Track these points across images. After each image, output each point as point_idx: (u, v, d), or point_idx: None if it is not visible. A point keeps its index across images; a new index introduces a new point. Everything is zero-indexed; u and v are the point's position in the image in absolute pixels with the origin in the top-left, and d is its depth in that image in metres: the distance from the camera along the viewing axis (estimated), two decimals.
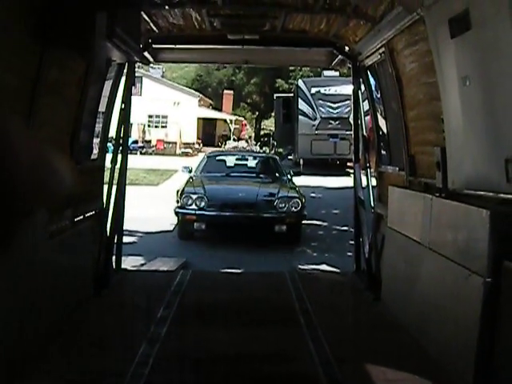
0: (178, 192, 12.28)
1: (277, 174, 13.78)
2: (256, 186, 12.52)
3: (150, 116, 45.14)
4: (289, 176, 13.79)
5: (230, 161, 14.82)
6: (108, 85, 7.03)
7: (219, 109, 52.49)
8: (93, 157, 6.95)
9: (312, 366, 4.78)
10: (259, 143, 47.82)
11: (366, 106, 8.31)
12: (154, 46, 7.73)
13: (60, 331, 5.21)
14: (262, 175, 13.63)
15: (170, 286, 7.13)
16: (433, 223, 5.22)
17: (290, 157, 30.88)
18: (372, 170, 8.03)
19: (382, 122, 7.72)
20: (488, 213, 4.06)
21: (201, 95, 49.21)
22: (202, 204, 11.62)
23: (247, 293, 7.06)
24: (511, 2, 3.60)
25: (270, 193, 12.23)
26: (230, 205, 11.70)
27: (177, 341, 5.33)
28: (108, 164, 7.41)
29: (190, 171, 13.68)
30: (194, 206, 11.62)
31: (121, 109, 7.48)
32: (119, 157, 7.51)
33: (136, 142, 39.75)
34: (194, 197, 11.70)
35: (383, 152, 7.82)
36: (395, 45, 6.26)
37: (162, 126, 46.01)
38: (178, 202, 11.96)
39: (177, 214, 11.94)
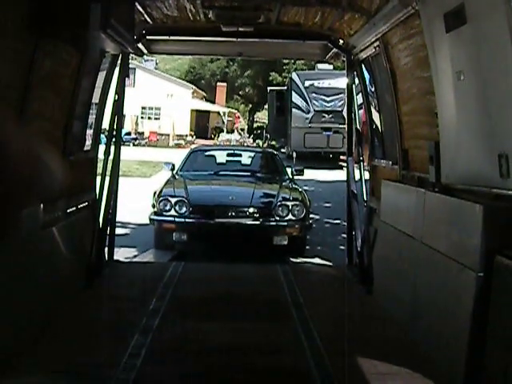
0: (154, 194, 10.04)
1: (276, 173, 11.44)
2: (250, 187, 10.30)
3: (144, 108, 45.14)
4: (290, 175, 11.41)
5: (220, 157, 12.36)
6: (102, 76, 7.01)
7: (212, 101, 52.50)
8: (86, 148, 6.92)
9: (303, 359, 4.78)
10: (252, 136, 47.86)
11: (359, 99, 8.31)
12: (147, 37, 7.70)
13: (51, 322, 5.20)
14: (258, 174, 11.40)
15: (162, 278, 7.12)
16: (426, 217, 5.23)
17: (283, 150, 30.88)
18: (365, 163, 8.05)
19: (375, 116, 7.72)
20: (481, 207, 4.07)
21: (194, 87, 49.16)
22: (183, 210, 9.39)
23: (239, 285, 7.06)
24: None
25: (267, 196, 10.06)
26: (218, 211, 9.40)
27: (169, 333, 5.33)
28: (101, 155, 7.40)
29: (173, 168, 11.23)
30: (173, 212, 9.41)
31: (114, 100, 7.46)
32: (112, 148, 7.49)
33: (129, 133, 39.75)
34: (174, 200, 9.45)
35: (377, 146, 7.83)
36: (390, 38, 6.26)
37: (155, 118, 46.03)
38: (153, 206, 9.75)
39: (152, 221, 9.67)
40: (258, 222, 9.44)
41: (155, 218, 9.55)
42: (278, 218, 9.44)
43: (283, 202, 9.59)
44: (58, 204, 5.64)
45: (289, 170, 11.71)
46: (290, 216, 9.49)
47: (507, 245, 3.88)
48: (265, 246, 9.64)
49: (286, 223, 9.47)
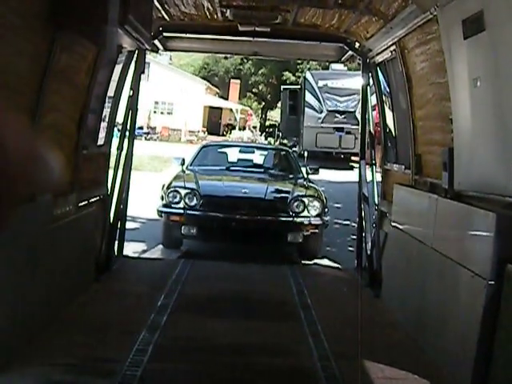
0: (163, 186, 9.60)
1: (291, 171, 10.95)
2: (264, 183, 9.94)
3: (157, 102, 45.17)
4: (305, 173, 10.74)
5: (232, 153, 11.84)
6: (117, 72, 7.02)
7: (225, 98, 52.49)
8: (99, 143, 6.95)
9: (310, 361, 4.79)
10: (264, 134, 47.85)
11: (373, 100, 8.30)
12: (164, 34, 7.71)
13: (59, 316, 5.23)
14: (271, 171, 10.97)
15: (171, 275, 7.14)
16: (437, 223, 5.22)
17: (294, 148, 30.88)
18: (377, 166, 8.04)
19: (389, 120, 7.70)
20: (494, 215, 4.06)
21: (207, 83, 49.18)
22: (194, 202, 8.96)
23: (248, 285, 7.07)
24: None
25: (282, 191, 9.60)
26: (230, 204, 8.98)
27: (176, 330, 5.34)
28: (114, 150, 7.42)
29: (183, 163, 10.57)
30: (182, 204, 8.99)
31: (129, 96, 7.48)
32: (125, 144, 7.52)
33: (141, 127, 39.80)
34: (184, 192, 9.03)
35: (390, 150, 7.81)
36: (407, 43, 6.24)
37: (168, 113, 46.07)
38: (162, 198, 9.31)
39: (160, 213, 9.29)
40: (272, 218, 9.02)
41: (163, 209, 9.16)
42: (293, 214, 9.02)
43: (299, 198, 9.15)
44: (69, 198, 5.66)
45: (303, 169, 11.11)
46: (306, 213, 9.07)
47: None
48: (278, 242, 9.30)
49: (301, 220, 9.03)
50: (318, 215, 9.12)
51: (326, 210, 9.38)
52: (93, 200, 6.63)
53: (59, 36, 4.70)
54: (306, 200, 9.14)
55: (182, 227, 8.95)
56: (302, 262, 9.36)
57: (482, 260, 4.12)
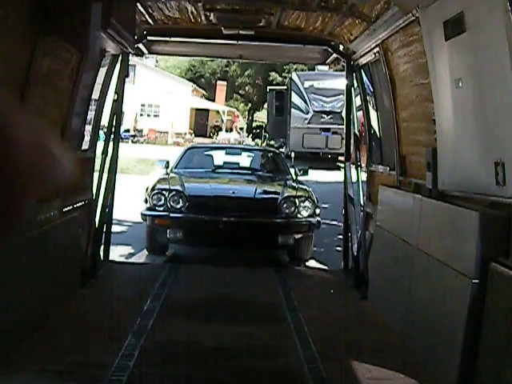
0: (147, 189, 9.11)
1: (279, 173, 10.54)
2: (252, 184, 9.60)
3: (143, 105, 45.06)
4: (293, 175, 10.42)
5: (219, 155, 11.38)
6: (102, 75, 7.01)
7: (212, 99, 52.43)
8: (84, 147, 6.92)
9: (297, 363, 4.80)
10: (251, 135, 47.85)
11: (358, 101, 8.32)
12: (148, 37, 7.71)
13: (44, 322, 5.20)
14: (259, 173, 10.54)
15: (157, 279, 7.12)
16: (422, 223, 5.25)
17: (281, 149, 30.91)
18: (363, 166, 8.06)
19: (374, 122, 7.72)
20: (477, 215, 4.10)
21: (194, 85, 49.12)
22: (179, 204, 8.55)
23: (234, 288, 7.05)
24: (506, 6, 3.62)
25: (271, 192, 9.34)
26: (217, 206, 8.57)
27: (163, 334, 5.33)
28: (99, 153, 7.40)
29: (168, 166, 10.23)
30: (167, 207, 8.59)
31: (113, 100, 7.46)
32: (110, 148, 7.49)
33: (128, 130, 39.72)
34: (168, 194, 8.63)
35: (374, 151, 7.84)
36: (390, 45, 6.27)
37: (155, 115, 45.96)
38: (146, 201, 8.85)
39: (144, 217, 8.76)
40: (261, 219, 8.64)
41: (148, 213, 8.68)
42: (283, 216, 8.64)
43: (290, 199, 8.78)
44: (53, 203, 5.63)
45: (292, 170, 10.77)
46: (297, 214, 8.72)
47: (502, 252, 3.90)
48: (269, 245, 9.01)
49: (293, 221, 8.67)
50: (309, 216, 8.79)
51: (318, 210, 9.02)
52: (78, 205, 6.61)
53: (42, 40, 4.69)
54: (296, 201, 8.80)
55: (168, 231, 8.55)
56: (292, 265, 9.23)
57: (466, 259, 4.15)
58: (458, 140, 4.60)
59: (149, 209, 8.72)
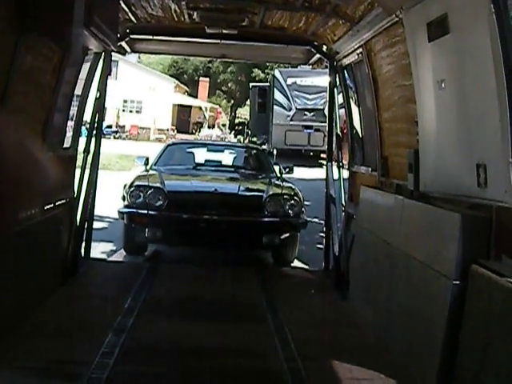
0: (125, 186, 8.72)
1: (263, 171, 10.24)
2: (235, 182, 9.19)
3: (125, 101, 44.92)
4: (278, 173, 10.16)
5: (200, 152, 10.95)
6: (83, 74, 6.95)
7: (195, 96, 52.36)
8: (65, 145, 6.87)
9: (277, 363, 4.79)
10: (234, 131, 47.83)
11: (340, 99, 8.30)
12: (131, 36, 7.67)
13: (24, 319, 5.16)
14: (242, 170, 10.16)
15: (138, 277, 7.10)
16: (403, 224, 5.27)
17: (264, 146, 30.93)
18: (345, 164, 8.07)
19: (356, 123, 7.73)
20: (459, 216, 4.11)
21: (176, 81, 49.00)
22: (159, 201, 8.16)
23: (215, 287, 7.03)
24: (490, 9, 3.64)
25: (256, 190, 9.00)
26: (199, 203, 8.19)
27: (143, 332, 5.31)
28: (81, 149, 7.35)
29: (147, 163, 9.88)
30: (146, 205, 8.17)
31: (96, 98, 7.41)
32: (92, 146, 7.45)
33: (110, 126, 39.52)
34: (147, 191, 8.23)
35: (356, 152, 7.84)
36: (373, 46, 6.28)
37: (137, 111, 45.83)
38: (123, 198, 8.47)
39: (121, 215, 8.37)
40: (245, 218, 8.28)
41: (125, 210, 8.27)
42: (269, 214, 8.31)
43: (275, 197, 8.46)
44: (34, 201, 5.58)
45: (276, 168, 10.50)
46: (283, 212, 8.41)
47: (483, 254, 3.93)
48: (253, 245, 8.68)
49: (278, 220, 8.36)
50: (295, 215, 8.51)
51: (304, 209, 8.74)
52: (59, 203, 6.56)
53: (24, 38, 4.64)
54: (282, 199, 8.49)
55: (146, 230, 8.17)
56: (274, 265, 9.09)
57: (447, 260, 4.17)
58: (440, 141, 4.62)
59: (126, 206, 8.34)
